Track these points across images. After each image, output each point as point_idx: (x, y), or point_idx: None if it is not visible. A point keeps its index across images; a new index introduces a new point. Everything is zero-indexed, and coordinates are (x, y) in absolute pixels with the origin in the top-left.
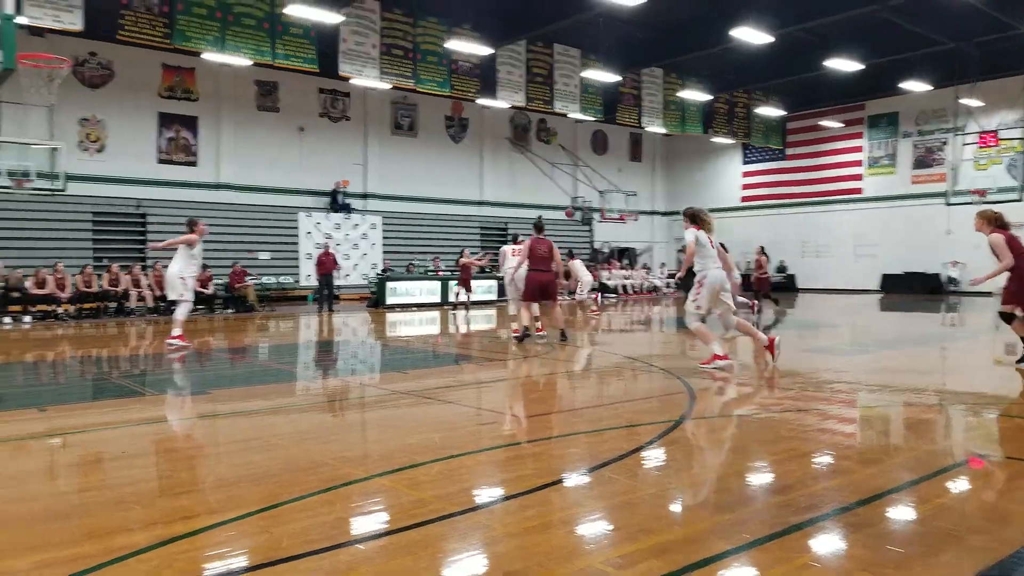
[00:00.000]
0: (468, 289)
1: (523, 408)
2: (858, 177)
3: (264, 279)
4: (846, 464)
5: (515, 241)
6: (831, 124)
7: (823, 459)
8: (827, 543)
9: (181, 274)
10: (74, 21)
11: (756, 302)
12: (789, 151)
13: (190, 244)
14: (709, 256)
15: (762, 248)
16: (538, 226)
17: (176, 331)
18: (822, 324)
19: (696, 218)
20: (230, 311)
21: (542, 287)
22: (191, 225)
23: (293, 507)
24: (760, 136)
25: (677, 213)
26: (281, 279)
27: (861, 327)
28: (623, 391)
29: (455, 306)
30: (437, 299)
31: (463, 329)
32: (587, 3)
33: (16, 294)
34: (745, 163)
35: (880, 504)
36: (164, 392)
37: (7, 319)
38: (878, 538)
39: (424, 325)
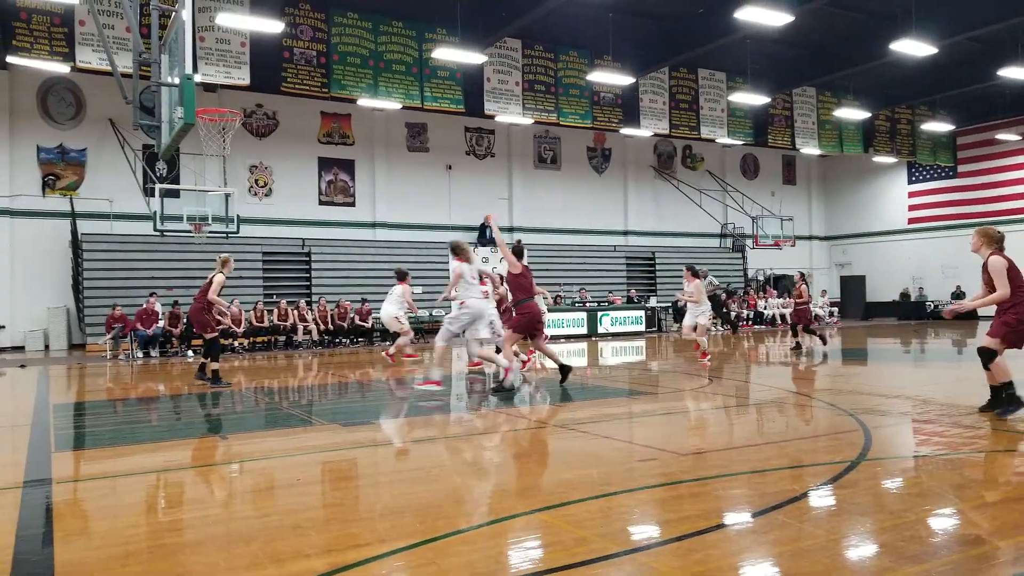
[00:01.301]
0: None
1: (680, 444)
2: None
3: (420, 312)
4: None
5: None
6: (1008, 137)
7: (1023, 506)
8: None
9: (395, 314)
10: (243, 76)
11: (801, 337)
12: (961, 168)
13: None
14: (471, 286)
15: (803, 275)
16: (454, 249)
17: (392, 350)
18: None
19: (457, 250)
20: (387, 343)
21: (539, 320)
22: (401, 275)
23: (458, 539)
24: (927, 153)
25: (838, 237)
26: (434, 312)
27: None
28: (787, 428)
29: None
30: (584, 330)
31: (610, 361)
32: (732, 26)
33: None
34: (911, 182)
35: None
36: (332, 422)
37: (190, 352)
38: None
39: (572, 357)
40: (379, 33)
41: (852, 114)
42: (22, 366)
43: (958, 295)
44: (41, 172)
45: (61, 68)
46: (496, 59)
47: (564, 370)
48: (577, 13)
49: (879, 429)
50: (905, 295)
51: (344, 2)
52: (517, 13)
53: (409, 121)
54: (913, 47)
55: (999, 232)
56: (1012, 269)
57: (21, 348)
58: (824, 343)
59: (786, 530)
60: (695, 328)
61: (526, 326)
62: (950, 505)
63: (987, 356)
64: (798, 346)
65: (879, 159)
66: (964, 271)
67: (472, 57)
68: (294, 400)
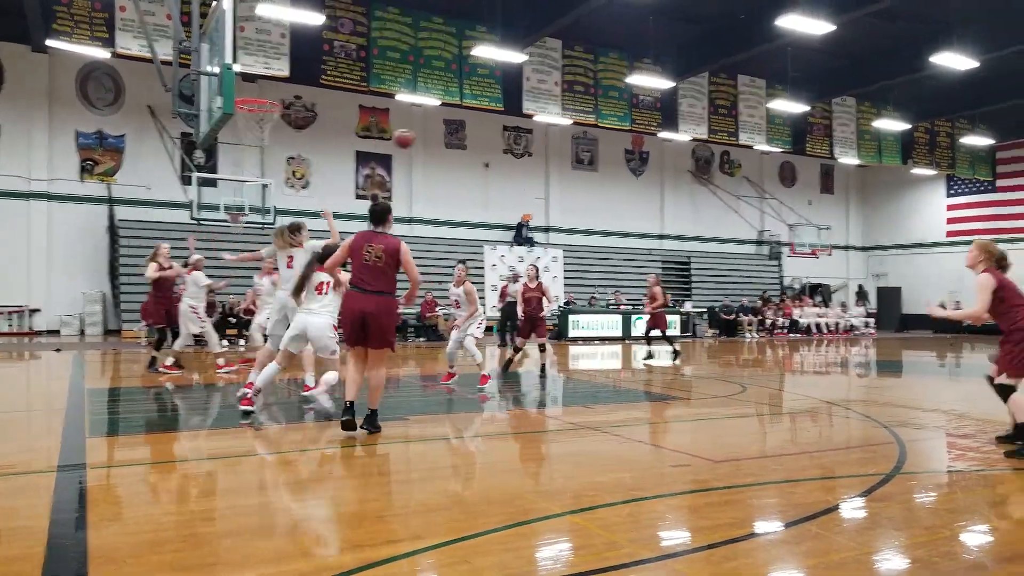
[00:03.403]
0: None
1: (713, 450)
2: None
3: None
4: None
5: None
6: None
7: None
8: None
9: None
10: (282, 68)
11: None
12: (1000, 183)
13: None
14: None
15: (657, 276)
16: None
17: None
18: None
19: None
20: (422, 339)
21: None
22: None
23: (491, 538)
24: (966, 167)
25: (875, 248)
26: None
27: None
28: (821, 438)
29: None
30: (619, 333)
31: (644, 364)
32: (774, 33)
33: (233, 319)
34: (950, 195)
35: None
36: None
37: (224, 342)
38: None
39: (606, 359)
40: (419, 28)
41: (891, 125)
42: (57, 350)
43: None
44: (79, 157)
45: (101, 53)
46: (536, 58)
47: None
48: (617, 15)
49: (914, 443)
50: (942, 307)
51: None
52: (558, 13)
53: (447, 118)
54: (954, 60)
55: (1000, 250)
56: (1007, 290)
57: (56, 332)
58: (676, 358)
59: (819, 541)
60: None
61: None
62: (985, 522)
63: (1004, 392)
64: (650, 355)
65: (917, 171)
66: None
67: (512, 56)
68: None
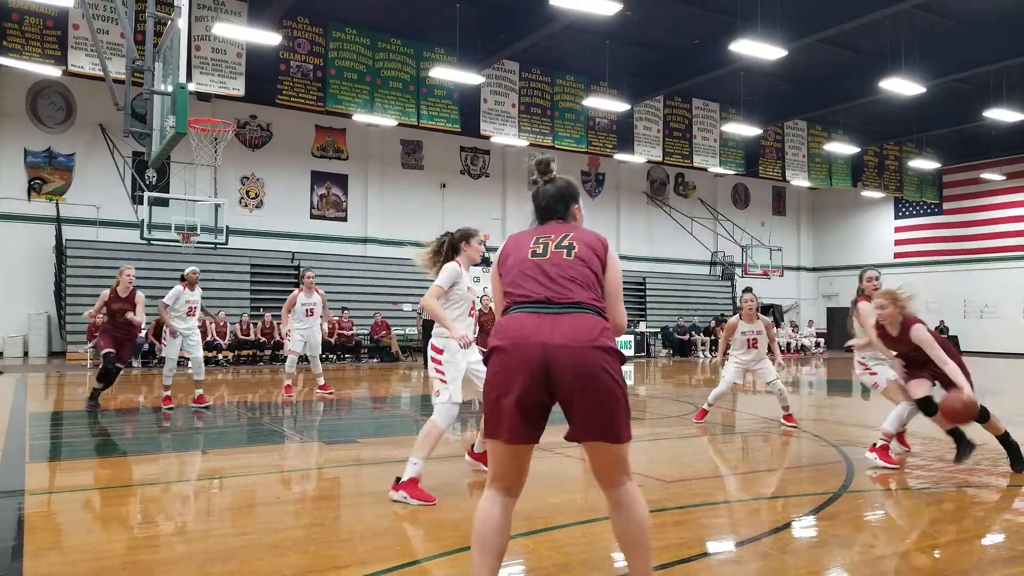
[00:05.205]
0: None
1: (665, 470)
2: None
3: (408, 330)
4: None
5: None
6: (993, 177)
7: (1001, 541)
8: None
9: None
10: (238, 87)
11: None
12: (946, 205)
13: None
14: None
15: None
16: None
17: None
18: (990, 391)
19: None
20: (375, 360)
21: None
22: None
23: (439, 562)
24: (913, 190)
25: (825, 268)
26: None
27: None
28: (772, 457)
29: None
30: None
31: None
32: (727, 58)
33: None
34: (897, 217)
35: None
36: (314, 439)
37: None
38: None
39: None
40: (377, 49)
41: (841, 148)
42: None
43: (942, 329)
44: (27, 176)
45: (52, 71)
46: (493, 80)
47: None
48: (575, 40)
49: (862, 461)
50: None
51: (342, 17)
52: (516, 37)
53: (404, 138)
54: (902, 86)
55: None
56: (881, 329)
57: None
58: None
59: (769, 560)
60: None
61: None
62: (929, 539)
63: (982, 417)
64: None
65: (867, 193)
66: (948, 306)
67: (470, 77)
68: (276, 416)
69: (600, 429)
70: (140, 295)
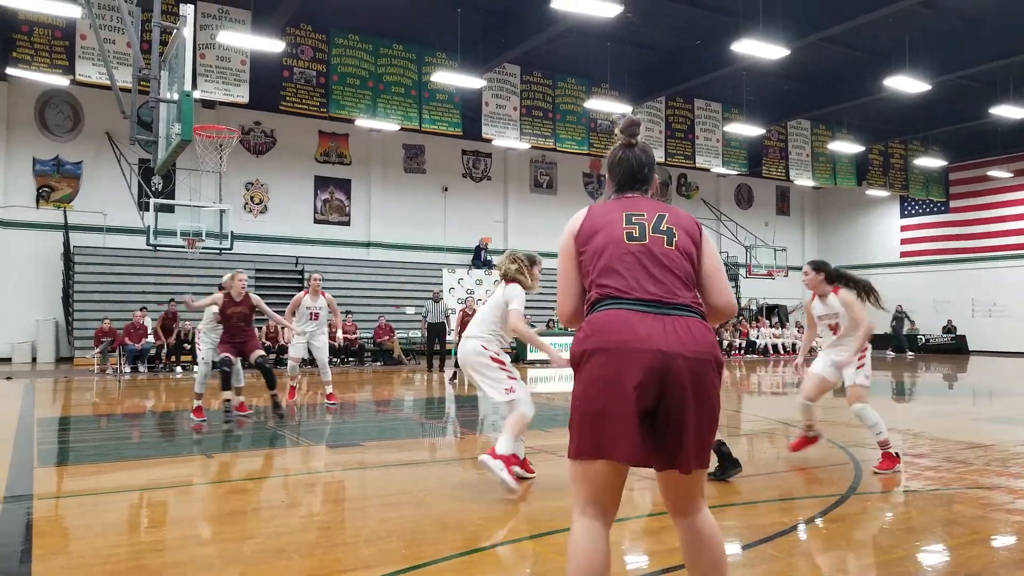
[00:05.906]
0: None
1: None
2: None
3: (411, 333)
4: None
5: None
6: (1000, 174)
7: (1012, 544)
8: None
9: None
10: (242, 94)
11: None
12: (953, 203)
13: None
14: None
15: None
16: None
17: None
18: (1000, 391)
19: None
20: (378, 364)
21: None
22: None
23: (443, 566)
24: (919, 188)
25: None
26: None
27: None
28: (779, 459)
29: None
30: None
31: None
32: (729, 58)
33: (188, 345)
34: (903, 216)
35: None
36: (320, 443)
37: (178, 369)
38: None
39: (563, 381)
40: (379, 55)
41: (846, 147)
42: (8, 378)
43: (949, 329)
44: (36, 184)
45: (61, 81)
46: (495, 84)
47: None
48: (576, 42)
49: (870, 463)
50: (899, 314)
51: (345, 24)
52: (517, 40)
53: (407, 142)
54: (906, 84)
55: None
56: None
57: (8, 360)
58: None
59: (775, 563)
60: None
61: None
62: (939, 541)
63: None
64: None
65: (872, 192)
66: (956, 305)
67: (471, 81)
68: (280, 420)
69: (699, 452)
70: (256, 297)
